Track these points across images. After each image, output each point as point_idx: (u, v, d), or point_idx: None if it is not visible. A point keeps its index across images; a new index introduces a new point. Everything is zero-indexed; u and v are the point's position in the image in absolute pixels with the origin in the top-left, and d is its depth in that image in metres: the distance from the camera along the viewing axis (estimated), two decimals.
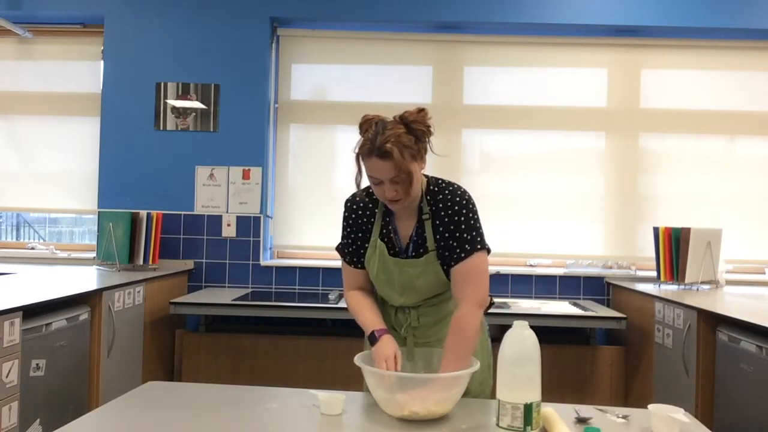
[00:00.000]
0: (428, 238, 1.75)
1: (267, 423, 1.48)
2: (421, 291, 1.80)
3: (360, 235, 1.83)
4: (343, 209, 1.86)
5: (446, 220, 1.73)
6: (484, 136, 4.03)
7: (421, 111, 1.65)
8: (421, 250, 1.76)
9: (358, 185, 1.71)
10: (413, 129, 1.63)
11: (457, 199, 1.73)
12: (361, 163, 1.66)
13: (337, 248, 1.90)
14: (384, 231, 1.80)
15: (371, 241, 1.80)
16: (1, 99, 4.14)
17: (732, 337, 2.45)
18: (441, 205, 1.73)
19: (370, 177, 1.66)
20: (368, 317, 1.78)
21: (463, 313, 1.69)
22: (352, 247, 1.85)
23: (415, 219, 1.77)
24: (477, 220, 1.74)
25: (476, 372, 1.59)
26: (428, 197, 1.75)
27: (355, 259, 1.85)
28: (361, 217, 1.82)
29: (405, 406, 1.51)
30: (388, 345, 1.68)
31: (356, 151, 1.66)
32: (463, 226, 1.72)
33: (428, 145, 1.69)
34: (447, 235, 1.74)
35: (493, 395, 1.67)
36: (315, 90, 4.08)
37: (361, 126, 1.68)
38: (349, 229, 1.84)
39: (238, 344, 3.48)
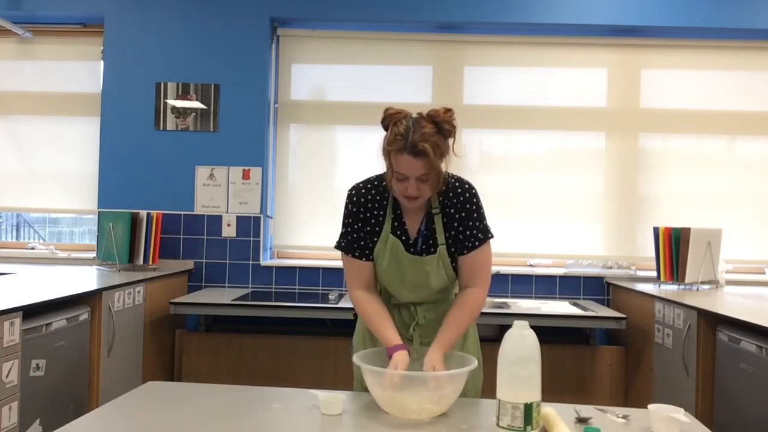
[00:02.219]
0: (438, 231, 1.75)
1: (267, 423, 1.49)
2: (433, 287, 1.80)
3: (368, 228, 1.78)
4: (346, 202, 1.80)
5: (458, 208, 1.75)
6: (484, 136, 4.03)
7: (449, 111, 1.64)
8: (431, 242, 1.76)
9: (389, 181, 1.69)
10: (442, 128, 1.62)
11: (466, 188, 1.76)
12: (392, 159, 1.63)
13: (339, 246, 1.81)
14: (395, 224, 1.77)
15: (382, 235, 1.76)
16: (1, 99, 4.14)
17: (732, 337, 2.45)
18: (451, 195, 1.75)
19: (395, 173, 1.64)
20: (387, 331, 1.72)
21: (475, 293, 1.77)
22: (360, 241, 1.78)
23: (423, 212, 1.76)
24: (483, 209, 1.78)
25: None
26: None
27: (366, 252, 1.79)
28: (371, 209, 1.77)
29: (402, 404, 1.51)
30: (402, 362, 1.64)
31: (386, 146, 1.64)
32: (475, 215, 1.75)
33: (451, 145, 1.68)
34: (456, 227, 1.75)
35: (485, 392, 1.69)
36: (315, 90, 4.09)
37: (385, 120, 1.66)
38: (357, 224, 1.78)
39: (238, 344, 3.48)
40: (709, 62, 3.97)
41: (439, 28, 4.01)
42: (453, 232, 1.76)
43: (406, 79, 4.02)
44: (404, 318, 1.86)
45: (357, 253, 1.79)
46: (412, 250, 1.77)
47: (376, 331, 1.75)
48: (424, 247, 1.77)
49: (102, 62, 4.01)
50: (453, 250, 1.77)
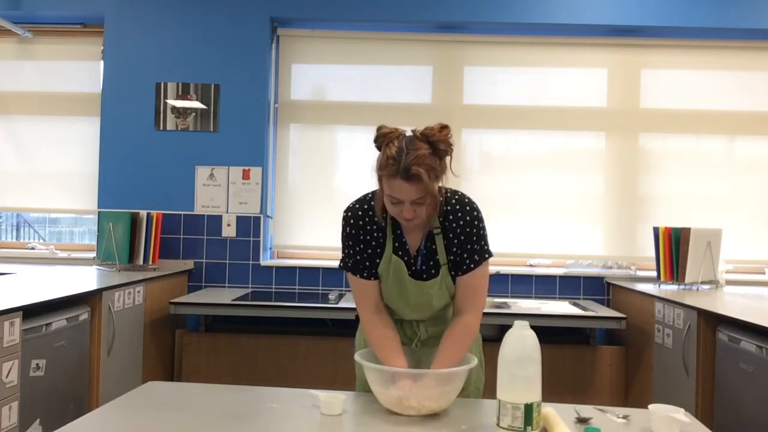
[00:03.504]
0: (439, 252, 1.70)
1: (267, 423, 1.48)
2: (435, 307, 1.77)
3: (370, 252, 1.72)
4: (342, 224, 1.72)
5: (458, 232, 1.68)
6: (484, 136, 4.03)
7: (444, 128, 1.56)
8: (432, 263, 1.71)
9: (381, 209, 1.64)
10: (437, 149, 1.54)
11: (467, 209, 1.68)
12: (384, 183, 1.56)
13: (346, 266, 1.75)
14: (396, 245, 1.72)
15: (384, 256, 1.71)
16: (1, 99, 4.14)
17: (732, 337, 2.45)
18: (451, 218, 1.68)
19: (388, 196, 1.57)
20: (394, 360, 1.66)
21: (469, 321, 1.71)
22: (366, 262, 1.72)
23: (423, 231, 1.70)
24: (485, 228, 1.72)
25: (473, 369, 1.59)
26: None
27: (373, 271, 1.73)
28: (369, 231, 1.70)
29: (401, 401, 1.52)
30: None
31: (378, 171, 1.57)
32: (474, 238, 1.68)
33: (448, 164, 1.60)
34: (457, 247, 1.70)
35: (486, 392, 1.68)
36: (315, 90, 4.09)
37: (377, 139, 1.59)
38: (358, 245, 1.72)
39: (238, 344, 3.48)
40: (709, 62, 3.97)
41: (439, 28, 4.01)
42: (453, 255, 1.70)
43: (406, 79, 4.02)
44: (407, 333, 1.85)
45: (365, 274, 1.73)
46: (413, 268, 1.72)
47: (384, 358, 1.68)
48: (424, 267, 1.72)
49: (102, 62, 4.01)
50: (456, 272, 1.73)
